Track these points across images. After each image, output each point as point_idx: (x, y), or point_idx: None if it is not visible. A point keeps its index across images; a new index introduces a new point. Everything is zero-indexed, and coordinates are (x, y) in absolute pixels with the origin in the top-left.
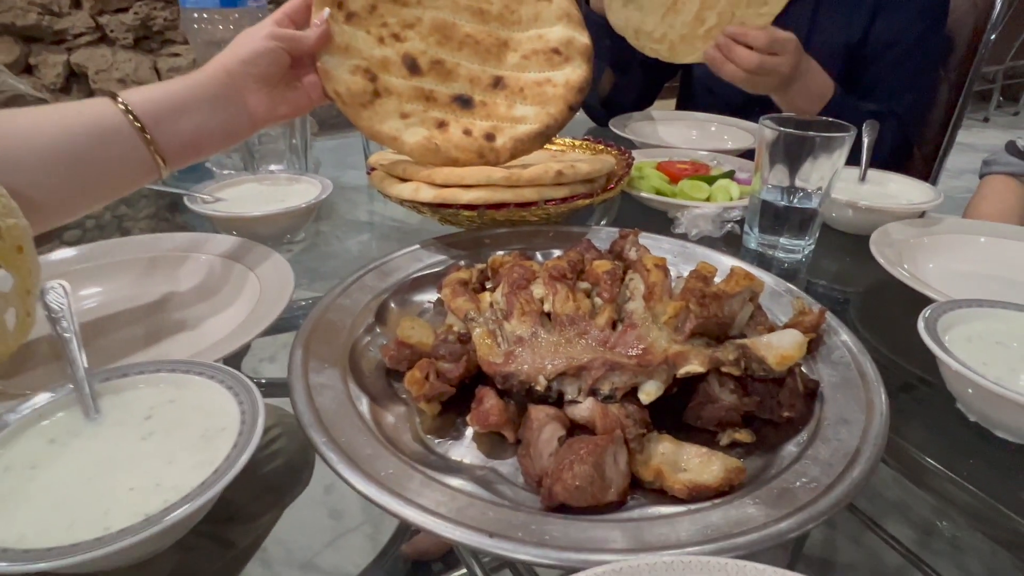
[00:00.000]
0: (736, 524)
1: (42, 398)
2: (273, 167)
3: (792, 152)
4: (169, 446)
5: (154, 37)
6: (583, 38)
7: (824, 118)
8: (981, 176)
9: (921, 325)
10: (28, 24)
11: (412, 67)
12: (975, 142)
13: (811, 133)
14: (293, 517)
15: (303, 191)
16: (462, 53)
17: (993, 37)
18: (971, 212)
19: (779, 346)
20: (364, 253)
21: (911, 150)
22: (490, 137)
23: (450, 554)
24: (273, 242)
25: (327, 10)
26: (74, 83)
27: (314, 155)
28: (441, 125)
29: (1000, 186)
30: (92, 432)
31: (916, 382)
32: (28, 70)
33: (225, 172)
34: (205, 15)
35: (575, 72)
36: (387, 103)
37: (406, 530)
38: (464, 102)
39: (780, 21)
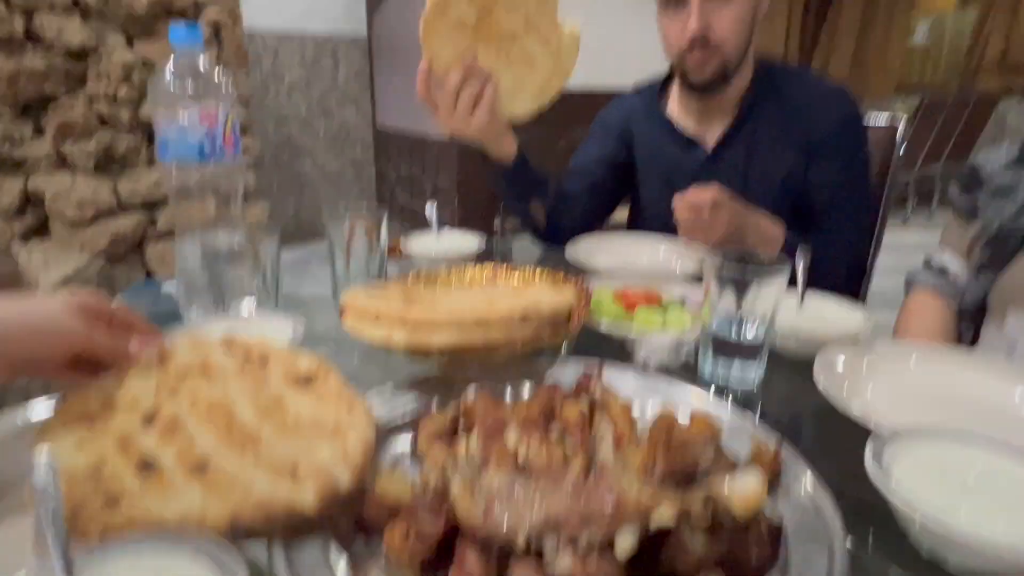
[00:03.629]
0: None
1: None
2: (244, 304)
3: (736, 285)
4: None
5: (115, 162)
6: (340, 478)
7: (764, 255)
8: (906, 291)
9: (868, 459)
10: None
11: (147, 418)
12: (897, 242)
13: (750, 269)
14: None
15: (274, 333)
16: (207, 427)
17: (903, 150)
18: (900, 326)
19: (742, 493)
20: None
21: (864, 269)
22: (111, 502)
23: None
24: None
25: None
26: (29, 208)
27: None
28: (96, 469)
29: (923, 301)
30: None
31: (871, 508)
32: None
33: (193, 310)
34: (181, 169)
35: (281, 498)
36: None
37: None
38: (145, 467)
39: (716, 160)
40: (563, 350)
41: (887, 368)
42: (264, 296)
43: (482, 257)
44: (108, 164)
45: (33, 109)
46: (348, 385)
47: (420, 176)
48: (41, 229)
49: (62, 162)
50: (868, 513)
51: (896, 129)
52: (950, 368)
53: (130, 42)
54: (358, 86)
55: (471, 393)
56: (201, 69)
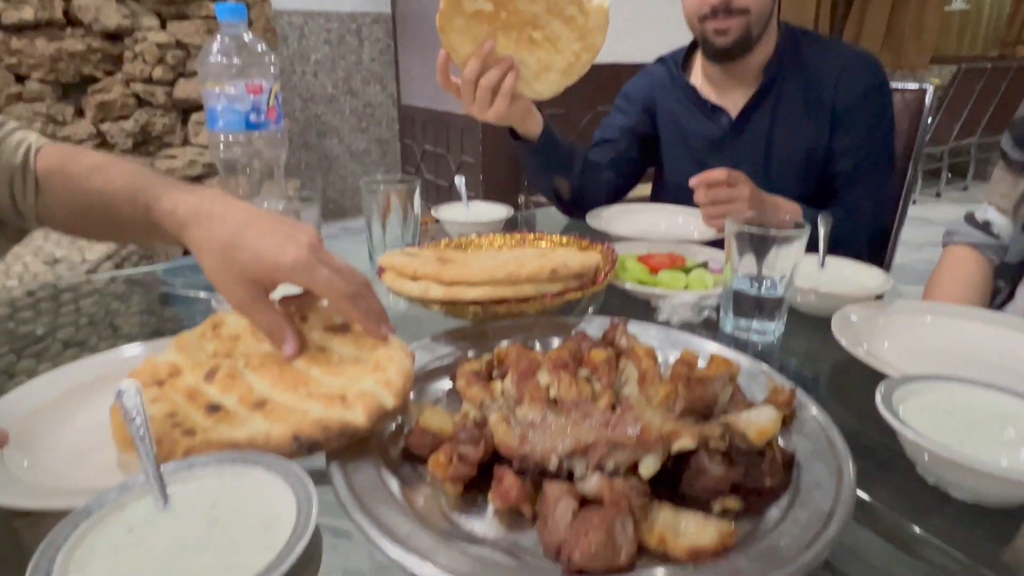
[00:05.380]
0: None
1: (118, 490)
2: None
3: (756, 247)
4: (233, 532)
5: (152, 141)
6: (385, 400)
7: (783, 219)
8: (944, 245)
9: (878, 399)
10: None
11: (209, 375)
12: (930, 216)
13: (771, 231)
14: None
15: None
16: (261, 375)
17: (930, 120)
18: (933, 282)
19: (757, 422)
20: None
21: (887, 238)
22: (189, 433)
23: None
24: None
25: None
26: None
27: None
28: (171, 415)
29: (960, 256)
30: (165, 521)
31: (880, 448)
32: None
33: None
34: (231, 137)
35: (336, 418)
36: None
37: None
38: (212, 409)
39: (740, 128)
40: (589, 307)
41: (903, 325)
42: None
43: (508, 227)
44: (145, 143)
45: (73, 91)
46: None
47: (445, 153)
48: None
49: (102, 142)
50: (879, 453)
51: (925, 92)
52: (965, 325)
53: (163, 24)
54: (382, 64)
55: (504, 344)
56: (246, 43)
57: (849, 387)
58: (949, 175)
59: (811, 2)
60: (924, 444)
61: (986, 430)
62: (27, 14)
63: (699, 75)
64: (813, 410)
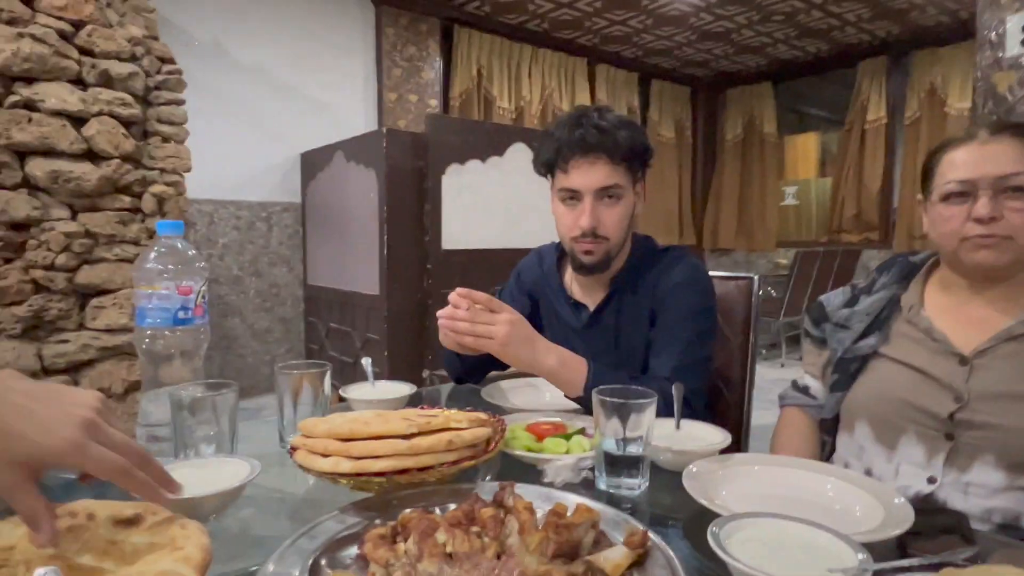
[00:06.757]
0: None
1: None
2: (204, 449)
3: (617, 413)
4: None
5: (44, 326)
6: (187, 574)
7: (638, 388)
8: (780, 407)
9: (709, 536)
10: None
11: None
12: (780, 379)
13: (627, 400)
14: None
15: (234, 472)
16: None
17: (782, 295)
18: (774, 439)
19: (612, 559)
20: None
21: (704, 397)
22: None
23: None
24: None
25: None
26: None
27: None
28: None
29: (791, 416)
30: None
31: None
32: None
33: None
34: (158, 331)
35: None
36: None
37: None
38: None
39: (595, 321)
40: (482, 472)
41: (738, 474)
42: (222, 443)
43: (412, 402)
44: (36, 328)
45: None
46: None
47: (351, 330)
48: None
49: None
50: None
51: (752, 280)
52: (788, 472)
53: (74, 215)
54: (290, 247)
55: (407, 511)
56: (180, 249)
57: (701, 529)
58: (787, 348)
59: (674, 201)
60: (742, 568)
61: (790, 553)
62: None
63: (568, 273)
64: (663, 549)
